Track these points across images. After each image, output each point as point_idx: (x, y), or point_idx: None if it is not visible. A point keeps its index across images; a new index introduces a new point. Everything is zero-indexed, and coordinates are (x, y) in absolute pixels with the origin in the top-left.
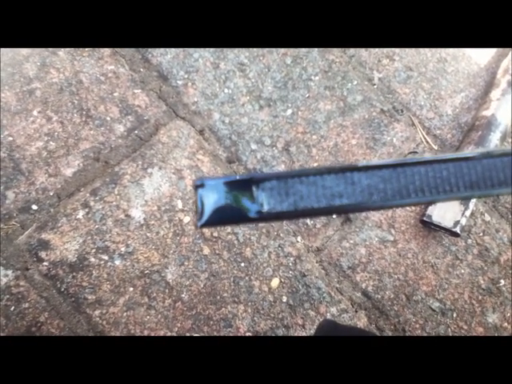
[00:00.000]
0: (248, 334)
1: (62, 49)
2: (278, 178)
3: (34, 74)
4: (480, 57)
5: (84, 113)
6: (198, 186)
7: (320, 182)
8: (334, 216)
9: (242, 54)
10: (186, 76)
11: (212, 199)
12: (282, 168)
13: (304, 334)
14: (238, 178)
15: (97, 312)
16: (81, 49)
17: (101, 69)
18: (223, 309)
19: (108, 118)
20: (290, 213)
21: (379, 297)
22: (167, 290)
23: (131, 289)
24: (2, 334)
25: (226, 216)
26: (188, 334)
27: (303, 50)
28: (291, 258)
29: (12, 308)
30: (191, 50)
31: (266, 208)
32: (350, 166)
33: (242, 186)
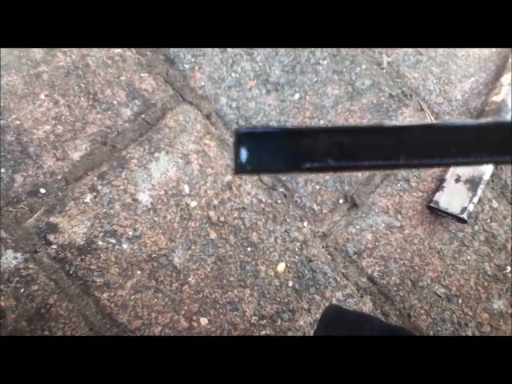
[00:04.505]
0: (254, 318)
1: None
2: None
3: (40, 58)
4: None
5: (91, 96)
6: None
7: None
8: (341, 201)
9: None
10: (193, 60)
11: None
12: None
13: (309, 319)
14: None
15: (105, 295)
16: None
17: (107, 52)
18: (229, 293)
19: (115, 102)
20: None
21: (385, 282)
22: (174, 274)
23: (139, 272)
24: (12, 316)
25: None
26: (195, 318)
27: None
28: (297, 243)
29: (22, 290)
30: None
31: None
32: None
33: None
